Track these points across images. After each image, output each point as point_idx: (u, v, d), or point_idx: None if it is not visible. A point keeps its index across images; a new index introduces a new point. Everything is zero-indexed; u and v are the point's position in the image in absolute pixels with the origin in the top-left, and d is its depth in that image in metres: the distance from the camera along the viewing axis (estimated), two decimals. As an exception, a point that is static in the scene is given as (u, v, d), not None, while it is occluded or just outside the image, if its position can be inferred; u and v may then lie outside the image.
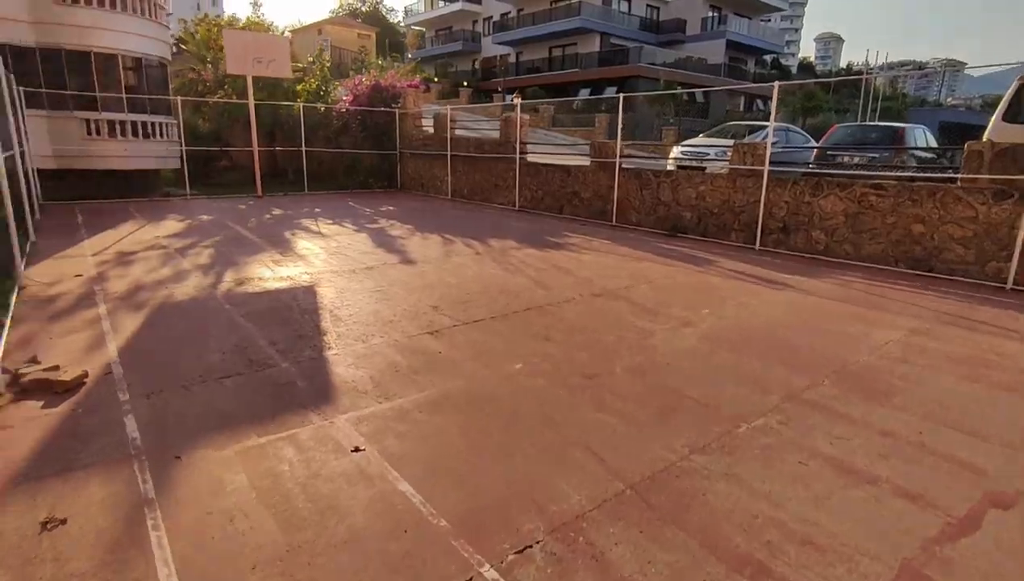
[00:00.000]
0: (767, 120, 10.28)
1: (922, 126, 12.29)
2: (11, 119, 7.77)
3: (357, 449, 2.93)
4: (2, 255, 5.56)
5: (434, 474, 2.75)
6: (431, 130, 17.02)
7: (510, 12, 41.58)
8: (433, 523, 2.40)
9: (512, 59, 42.19)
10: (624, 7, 38.31)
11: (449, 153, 15.49)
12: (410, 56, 47.67)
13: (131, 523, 2.33)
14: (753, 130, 12.53)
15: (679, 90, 27.60)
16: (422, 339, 4.61)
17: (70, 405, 3.33)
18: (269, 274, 6.66)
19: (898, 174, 8.39)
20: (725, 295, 6.22)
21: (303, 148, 16.28)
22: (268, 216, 11.65)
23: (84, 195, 13.11)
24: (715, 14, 39.42)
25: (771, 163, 8.83)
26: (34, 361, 3.80)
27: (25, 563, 2.12)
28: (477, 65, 44.98)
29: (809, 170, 9.45)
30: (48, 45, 12.50)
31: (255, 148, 14.70)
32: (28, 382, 3.49)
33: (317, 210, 12.71)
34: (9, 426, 3.10)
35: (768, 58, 47.05)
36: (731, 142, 10.10)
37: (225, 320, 4.98)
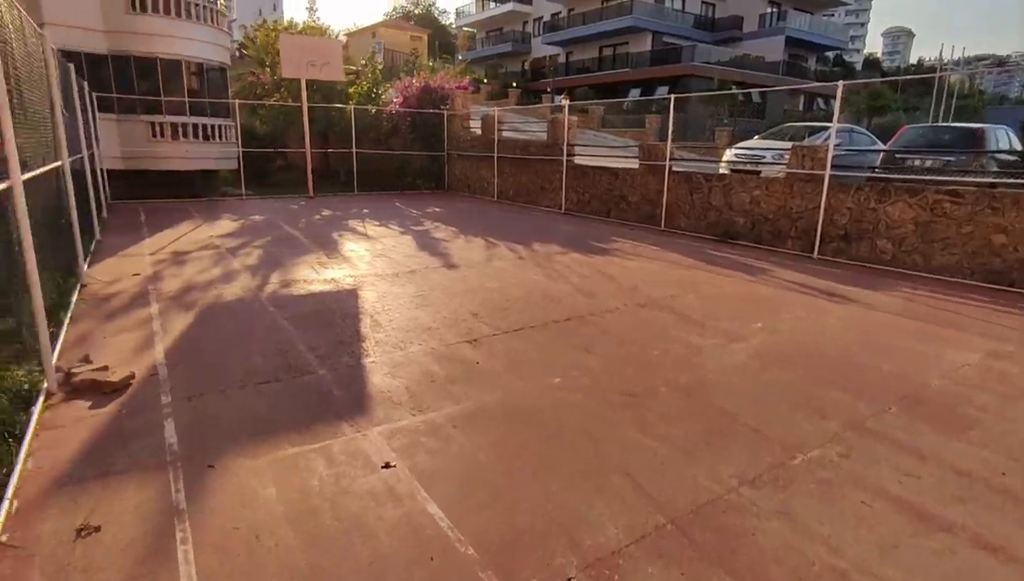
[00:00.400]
0: (828, 120, 9.74)
1: (1004, 127, 11.38)
2: (81, 123, 8.20)
3: (387, 465, 2.86)
4: (67, 255, 5.82)
5: (464, 496, 2.64)
6: (479, 132, 17.04)
7: (560, 12, 41.31)
8: (460, 550, 2.29)
9: (562, 59, 41.91)
10: (677, 5, 37.40)
11: (496, 155, 15.46)
12: (460, 57, 48.09)
13: (161, 534, 2.32)
14: (813, 131, 11.91)
15: (734, 91, 26.71)
16: (460, 348, 4.53)
17: (116, 406, 3.41)
18: (314, 276, 6.74)
19: (977, 180, 7.75)
20: (779, 308, 5.88)
21: (354, 149, 16.61)
22: (318, 217, 11.90)
23: (148, 194, 13.76)
24: (774, 10, 37.97)
25: (833, 166, 8.35)
26: (86, 360, 3.92)
27: (59, 570, 2.14)
28: (527, 66, 44.92)
29: (875, 174, 8.88)
30: (119, 52, 13.18)
31: (307, 149, 15.08)
32: (79, 382, 3.60)
33: (365, 211, 12.90)
34: (60, 426, 3.19)
35: (830, 55, 45.01)
36: (789, 144, 9.61)
37: (269, 322, 5.04)
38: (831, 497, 2.70)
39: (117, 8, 12.98)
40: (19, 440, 2.90)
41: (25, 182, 3.56)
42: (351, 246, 8.68)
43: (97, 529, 2.34)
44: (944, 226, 7.34)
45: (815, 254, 8.54)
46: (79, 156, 7.62)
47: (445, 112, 17.55)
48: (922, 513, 2.60)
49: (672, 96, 10.59)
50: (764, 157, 10.75)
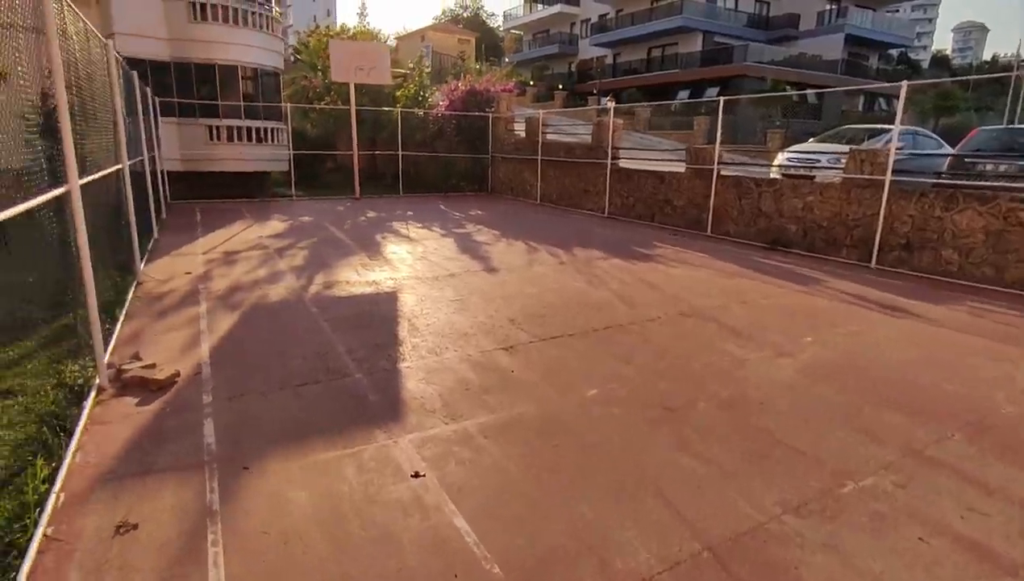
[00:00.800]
0: (890, 122, 9.24)
1: (1089, 129, 10.52)
2: (143, 127, 8.60)
3: (417, 475, 2.83)
4: (124, 254, 6.09)
5: (493, 510, 2.59)
6: (523, 134, 17.02)
7: (609, 13, 40.87)
8: (486, 568, 2.24)
9: (609, 61, 41.47)
10: (730, 4, 36.40)
11: (539, 157, 15.40)
12: (507, 60, 48.28)
13: (193, 536, 2.36)
14: (873, 134, 11.32)
15: (788, 92, 25.77)
16: (496, 355, 4.49)
17: (160, 404, 3.52)
18: (356, 278, 6.84)
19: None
20: (832, 321, 5.59)
21: (400, 152, 16.88)
22: (363, 218, 12.12)
23: (205, 195, 14.35)
24: (833, 7, 36.46)
25: (895, 171, 7.90)
26: (136, 358, 4.08)
27: (97, 567, 2.20)
28: (573, 68, 44.68)
29: (941, 180, 8.36)
30: (180, 59, 13.81)
31: (355, 152, 15.41)
32: (129, 378, 3.74)
33: (409, 213, 13.06)
34: (108, 421, 3.31)
35: (894, 52, 42.91)
36: (847, 148, 9.15)
37: (310, 324, 5.13)
38: (884, 531, 2.52)
39: (180, 17, 13.61)
40: (69, 434, 3.02)
41: (85, 185, 3.73)
42: (393, 248, 8.78)
43: (135, 527, 2.40)
44: (1020, 237, 6.82)
45: (872, 264, 8.10)
46: (140, 159, 7.99)
47: (490, 115, 17.61)
48: (987, 552, 2.38)
49: (721, 98, 10.27)
50: (819, 161, 10.29)
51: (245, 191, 15.12)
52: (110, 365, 3.87)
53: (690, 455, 3.10)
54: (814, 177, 9.68)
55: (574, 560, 2.29)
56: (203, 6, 13.66)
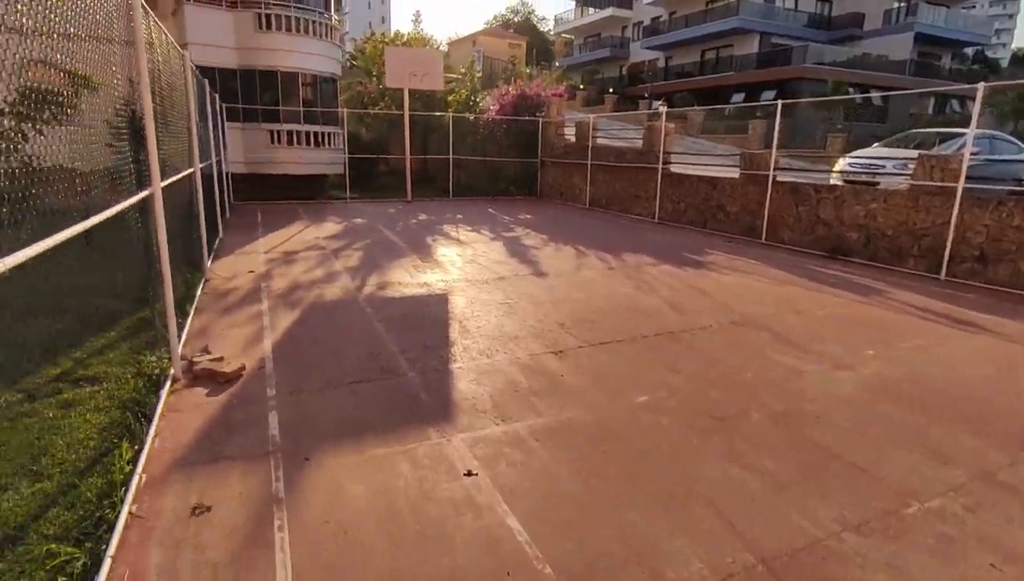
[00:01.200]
0: (964, 125, 8.77)
1: None
2: (212, 132, 9.08)
3: (469, 473, 2.90)
4: (194, 252, 6.46)
5: (544, 513, 2.63)
6: (573, 138, 17.00)
7: (661, 16, 40.31)
8: (537, 568, 2.27)
9: (661, 64, 40.87)
10: (789, 4, 35.26)
11: (589, 162, 15.35)
12: (557, 64, 48.28)
13: (261, 521, 2.50)
14: (945, 138, 10.75)
15: (851, 95, 24.73)
16: (545, 359, 4.52)
17: (228, 396, 3.73)
18: (408, 279, 7.02)
19: None
20: (896, 335, 5.35)
21: (451, 156, 17.17)
22: (414, 221, 12.39)
23: (265, 196, 15.00)
24: (902, 4, 34.74)
25: (968, 178, 7.49)
26: (205, 351, 4.32)
27: (176, 544, 2.36)
28: (624, 71, 44.27)
29: (1022, 188, 7.87)
30: (246, 67, 14.51)
31: (407, 156, 15.77)
32: (199, 370, 3.97)
33: (459, 216, 13.27)
34: (181, 410, 3.53)
35: (969, 51, 40.50)
36: (915, 153, 8.73)
37: (364, 324, 5.31)
38: (952, 555, 2.41)
39: (247, 27, 14.31)
40: (149, 420, 3.24)
41: (164, 187, 3.99)
42: (444, 251, 8.95)
43: (208, 509, 2.56)
44: (1107, 249, 6.35)
45: (942, 275, 7.70)
46: (209, 162, 8.44)
47: (540, 119, 17.69)
48: (1068, 587, 2.25)
49: (780, 101, 9.99)
50: (884, 167, 9.85)
51: (303, 193, 15.71)
52: (182, 357, 4.12)
53: (742, 466, 3.05)
54: (878, 183, 9.28)
55: (623, 566, 2.30)
56: (268, 16, 14.32)
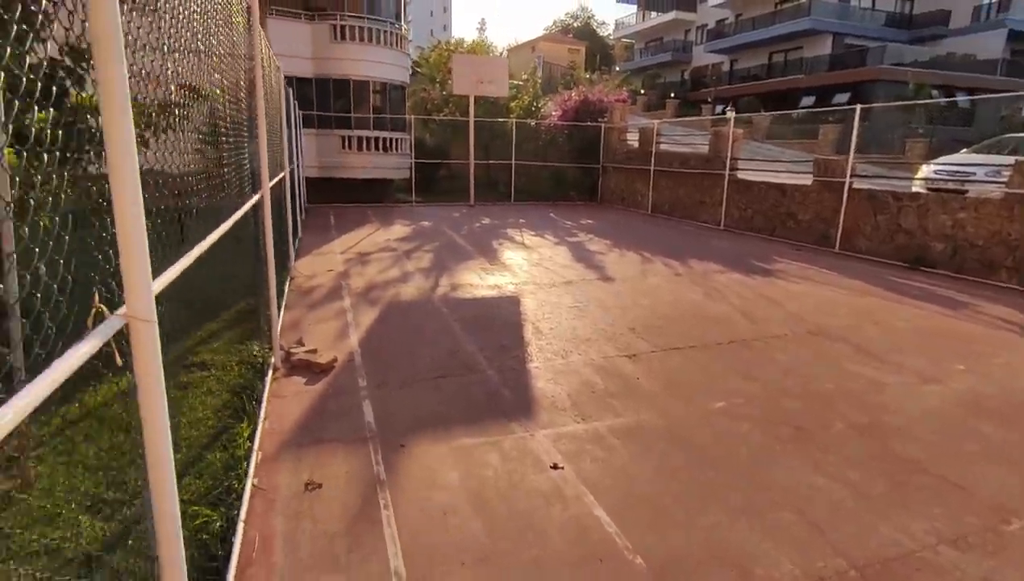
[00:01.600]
0: (1066, 133, 8.22)
1: None
2: (287, 138, 9.64)
3: (555, 466, 3.03)
4: (283, 251, 6.90)
5: (628, 508, 2.72)
6: (635, 144, 16.91)
7: (727, 18, 39.36)
8: (628, 558, 2.38)
9: (725, 67, 39.90)
10: (866, 3, 33.70)
11: (652, 167, 15.24)
12: (617, 68, 47.96)
13: (368, 499, 2.72)
14: (1042, 144, 10.08)
15: (935, 98, 23.39)
16: (619, 362, 4.60)
17: (324, 385, 4.01)
18: (478, 281, 7.24)
19: None
20: (988, 349, 5.11)
21: (513, 161, 17.42)
22: (478, 224, 12.68)
23: (336, 199, 15.70)
24: (993, 0, 32.56)
25: (1069, 188, 7.03)
26: (300, 343, 4.65)
27: (295, 515, 2.60)
28: (686, 75, 43.46)
29: None
30: (321, 75, 15.25)
31: (471, 161, 16.13)
32: (296, 361, 4.29)
33: (521, 220, 13.47)
34: (283, 396, 3.84)
35: (1069, 49, 37.40)
36: (1011, 159, 8.25)
37: (441, 322, 5.54)
38: (1058, 576, 2.34)
39: (323, 38, 15.05)
40: (258, 403, 3.55)
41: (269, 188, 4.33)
42: (510, 254, 9.14)
43: (319, 486, 2.81)
44: None
45: (1037, 289, 7.25)
46: (292, 166, 8.98)
47: (603, 125, 17.69)
48: None
49: (859, 105, 9.64)
50: (974, 174, 9.34)
51: (372, 196, 16.33)
52: (280, 348, 4.46)
53: (825, 476, 3.04)
54: (967, 191, 8.81)
55: (712, 564, 2.37)
56: (343, 27, 15.00)
